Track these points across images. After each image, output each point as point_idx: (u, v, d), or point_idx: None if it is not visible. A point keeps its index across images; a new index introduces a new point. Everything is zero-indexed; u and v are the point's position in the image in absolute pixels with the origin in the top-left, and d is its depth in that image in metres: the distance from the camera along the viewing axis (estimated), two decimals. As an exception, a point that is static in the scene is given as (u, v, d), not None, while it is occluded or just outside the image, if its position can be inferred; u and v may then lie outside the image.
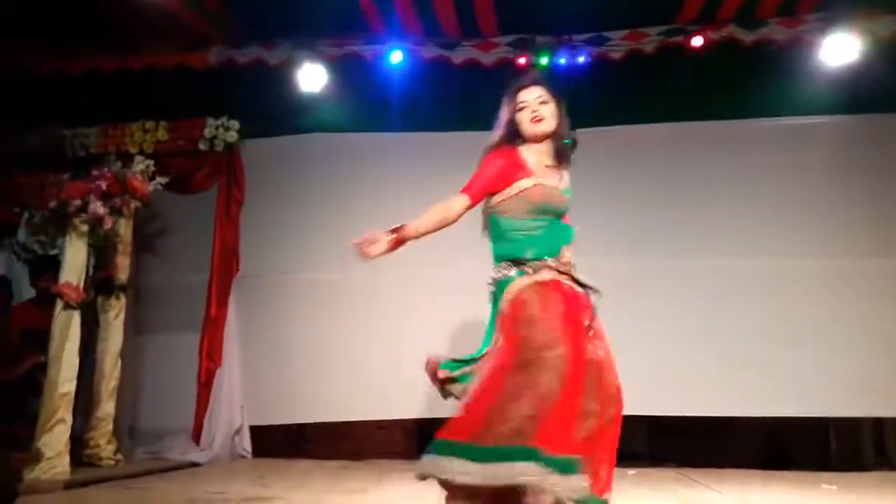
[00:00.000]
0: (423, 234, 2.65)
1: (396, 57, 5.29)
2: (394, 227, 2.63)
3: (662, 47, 5.09)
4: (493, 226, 2.74)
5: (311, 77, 5.27)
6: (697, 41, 5.00)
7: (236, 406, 5.15)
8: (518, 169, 2.71)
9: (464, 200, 2.66)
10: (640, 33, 5.12)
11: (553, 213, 2.72)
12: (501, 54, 5.28)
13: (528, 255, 2.64)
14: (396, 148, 5.36)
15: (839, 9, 4.80)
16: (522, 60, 5.24)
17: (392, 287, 5.18)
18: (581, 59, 5.18)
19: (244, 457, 5.09)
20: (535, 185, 2.69)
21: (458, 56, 5.31)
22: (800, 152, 5.01)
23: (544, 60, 5.19)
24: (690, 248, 5.02)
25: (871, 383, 4.66)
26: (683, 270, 4.99)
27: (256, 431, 5.20)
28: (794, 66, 4.93)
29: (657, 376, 4.84)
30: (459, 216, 2.66)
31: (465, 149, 5.50)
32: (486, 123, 5.19)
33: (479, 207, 2.75)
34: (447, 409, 4.97)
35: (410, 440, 5.41)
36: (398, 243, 2.63)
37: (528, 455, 2.31)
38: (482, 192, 2.71)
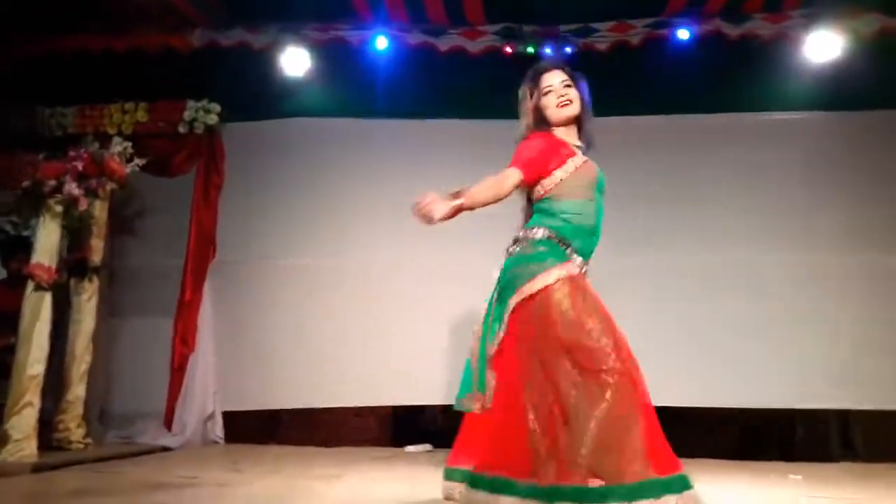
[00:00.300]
0: (478, 206, 2.45)
1: (382, 43, 5.24)
2: (453, 191, 2.41)
3: (648, 39, 5.09)
4: (543, 214, 2.57)
5: (295, 61, 5.21)
6: (684, 34, 5.00)
7: (209, 391, 5.08)
8: (565, 148, 2.60)
9: (516, 175, 2.50)
10: (626, 25, 5.11)
11: (601, 192, 2.65)
12: (488, 43, 5.24)
13: (575, 243, 2.53)
14: (380, 134, 5.32)
15: (823, 6, 4.81)
16: (509, 49, 5.21)
17: (367, 273, 5.17)
18: (568, 50, 5.16)
19: (217, 442, 5.04)
20: (585, 162, 2.61)
21: (444, 43, 5.27)
22: (780, 148, 5.02)
23: (531, 50, 5.17)
24: (666, 242, 5.03)
25: (839, 377, 4.71)
26: (659, 264, 5.00)
27: (229, 417, 5.15)
28: (778, 61, 4.95)
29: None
30: (510, 193, 2.51)
31: (450, 137, 5.53)
32: (472, 111, 5.24)
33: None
34: (424, 396, 5.01)
35: (385, 427, 5.41)
36: (457, 211, 2.41)
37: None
38: (535, 170, 2.53)
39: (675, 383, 4.79)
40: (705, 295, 4.93)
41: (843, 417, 5.07)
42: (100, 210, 4.80)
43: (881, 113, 4.96)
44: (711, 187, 5.05)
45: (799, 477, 3.96)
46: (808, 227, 4.94)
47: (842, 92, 4.89)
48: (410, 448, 4.89)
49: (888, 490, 3.52)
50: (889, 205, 4.91)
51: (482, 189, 2.46)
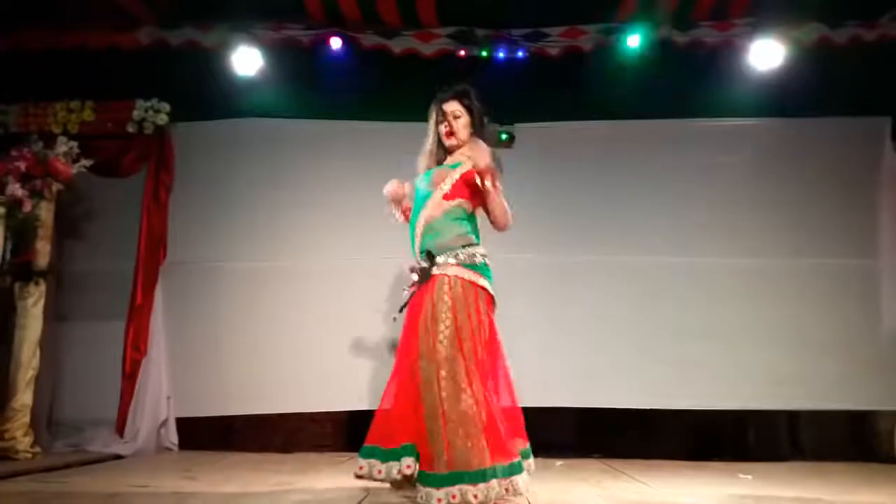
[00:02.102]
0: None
1: (335, 44, 5.22)
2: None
3: (599, 45, 5.17)
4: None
5: (247, 61, 5.15)
6: (633, 40, 5.09)
7: (162, 397, 5.01)
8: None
9: None
10: (578, 30, 5.19)
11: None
12: (441, 46, 5.27)
13: None
14: (332, 136, 5.30)
15: (766, 15, 4.97)
16: (462, 53, 5.25)
17: (321, 276, 5.15)
18: (520, 55, 5.22)
19: (170, 449, 4.98)
20: None
21: (398, 45, 5.28)
22: (727, 153, 5.16)
23: (484, 54, 5.21)
24: (618, 245, 5.13)
25: (787, 378, 4.87)
26: (611, 266, 5.10)
27: (183, 423, 5.09)
28: (724, 68, 5.08)
29: (584, 370, 4.96)
30: None
31: (403, 139, 5.50)
32: (424, 115, 5.23)
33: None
34: (380, 401, 5.00)
35: (341, 432, 5.40)
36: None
37: None
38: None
39: (625, 386, 4.93)
40: (655, 297, 5.05)
41: (792, 417, 5.25)
42: (45, 212, 4.70)
43: (823, 120, 5.14)
44: (660, 192, 5.16)
45: (749, 476, 4.08)
46: (756, 231, 5.09)
47: (785, 99, 5.05)
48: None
49: (832, 487, 3.65)
50: (833, 208, 5.08)
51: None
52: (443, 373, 2.81)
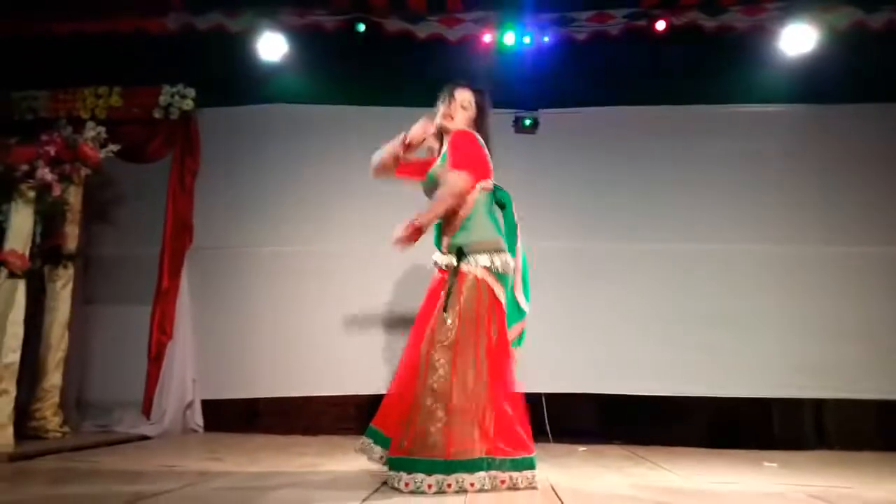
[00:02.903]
0: None
1: (360, 28, 5.21)
2: None
3: (626, 30, 5.12)
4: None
5: (272, 46, 5.17)
6: (661, 25, 5.03)
7: (188, 380, 5.07)
8: None
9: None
10: (605, 15, 5.14)
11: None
12: (467, 31, 5.24)
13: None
14: (357, 122, 5.27)
15: (798, -1, 4.88)
16: (487, 38, 5.21)
17: (345, 261, 5.16)
18: (546, 39, 5.18)
19: (195, 431, 5.03)
20: None
21: (423, 31, 5.26)
22: (754, 140, 5.09)
23: (510, 39, 5.17)
24: (643, 232, 5.09)
25: (813, 366, 4.82)
26: (636, 253, 5.06)
27: (208, 405, 5.13)
28: (754, 54, 5.00)
29: (608, 356, 4.94)
30: None
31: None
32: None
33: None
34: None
35: (364, 416, 5.40)
36: None
37: None
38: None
39: (648, 372, 4.90)
40: (681, 285, 5.01)
41: (817, 406, 5.18)
42: (74, 196, 4.74)
43: (854, 107, 5.04)
44: (686, 178, 5.11)
45: (774, 464, 4.05)
46: (783, 218, 5.03)
47: (816, 85, 4.96)
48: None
49: (861, 477, 3.61)
50: (861, 196, 5.00)
51: None
52: (442, 360, 2.85)
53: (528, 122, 5.18)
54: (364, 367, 4.92)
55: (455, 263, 3.01)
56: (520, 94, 5.18)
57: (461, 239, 3.06)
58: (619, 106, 5.17)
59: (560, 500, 2.71)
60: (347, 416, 5.22)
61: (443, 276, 3.09)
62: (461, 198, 3.03)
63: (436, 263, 3.17)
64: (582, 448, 4.56)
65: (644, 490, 2.97)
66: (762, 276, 5.00)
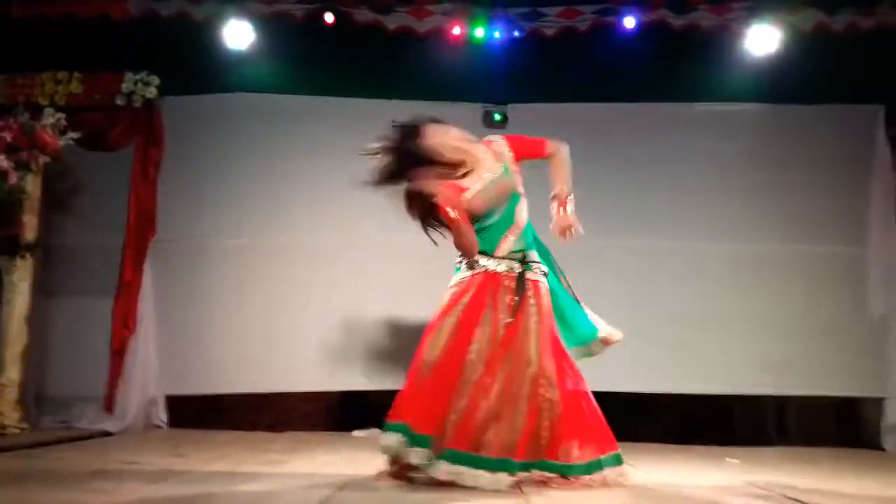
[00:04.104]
0: None
1: (328, 18, 5.14)
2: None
3: (595, 26, 5.12)
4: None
5: (238, 35, 5.08)
6: (630, 22, 5.05)
7: (151, 374, 5.00)
8: None
9: None
10: (574, 10, 5.14)
11: None
12: (436, 23, 5.20)
13: None
14: (324, 112, 5.24)
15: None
16: (457, 31, 5.18)
17: (312, 254, 5.12)
18: (515, 34, 5.17)
19: (159, 427, 4.97)
20: None
21: (392, 22, 5.20)
22: (720, 138, 5.15)
23: (479, 33, 5.16)
24: (605, 227, 5.06)
25: (776, 363, 4.91)
26: (599, 249, 5.07)
27: (173, 401, 5.08)
28: (720, 53, 5.06)
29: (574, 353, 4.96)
30: None
31: (394, 117, 5.47)
32: (418, 93, 5.21)
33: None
34: (371, 381, 5.03)
35: (333, 412, 5.41)
36: None
37: None
38: None
39: (615, 369, 4.93)
40: (645, 280, 5.06)
41: (779, 403, 5.30)
42: (32, 185, 4.64)
43: (817, 107, 5.13)
44: (651, 175, 5.15)
45: (736, 461, 4.11)
46: (747, 217, 5.10)
47: (780, 85, 5.04)
48: (358, 432, 4.92)
49: (820, 473, 3.69)
50: (823, 196, 5.10)
51: None
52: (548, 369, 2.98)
53: (497, 116, 5.18)
54: (332, 363, 4.90)
55: (519, 269, 3.02)
56: (489, 89, 5.18)
57: (522, 244, 3.09)
58: (587, 102, 5.19)
59: (526, 497, 2.73)
60: (315, 413, 5.20)
61: (492, 280, 3.00)
62: None
63: (483, 267, 3.03)
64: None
65: (605, 486, 3.00)
66: (726, 274, 5.07)
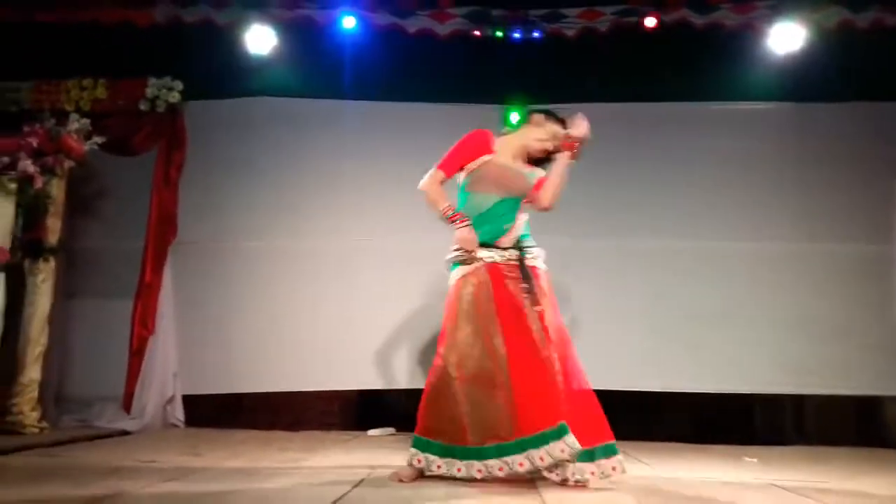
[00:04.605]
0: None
1: (349, 23, 5.18)
2: None
3: (616, 27, 5.10)
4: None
5: (260, 39, 5.13)
6: (650, 22, 5.02)
7: (169, 374, 5.03)
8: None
9: None
10: (594, 12, 5.12)
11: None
12: (456, 26, 5.21)
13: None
14: (345, 116, 5.28)
15: (787, -2, 4.89)
16: (477, 33, 5.19)
17: (330, 256, 5.14)
18: (536, 35, 5.16)
19: (177, 426, 4.99)
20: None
21: (413, 25, 5.22)
22: (741, 137, 5.09)
23: (499, 35, 5.15)
24: (627, 227, 5.08)
25: (794, 363, 4.84)
26: (619, 249, 5.06)
27: (190, 401, 5.09)
28: (742, 52, 5.01)
29: (590, 352, 4.87)
30: None
31: (416, 120, 5.51)
32: (439, 95, 5.22)
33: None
34: (388, 380, 5.01)
35: (349, 411, 5.40)
36: None
37: None
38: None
39: (632, 368, 4.88)
40: (665, 281, 5.01)
41: (799, 402, 5.20)
42: (57, 189, 4.68)
43: (841, 105, 5.05)
44: (673, 175, 5.12)
45: (754, 460, 4.04)
46: (770, 215, 5.04)
47: (804, 84, 4.98)
48: (374, 431, 4.90)
49: (837, 472, 3.60)
50: (846, 194, 5.02)
51: None
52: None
53: (517, 117, 5.14)
54: (349, 363, 4.90)
55: (517, 256, 3.03)
56: (510, 90, 5.16)
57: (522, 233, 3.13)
58: (607, 102, 5.14)
59: (540, 495, 2.67)
60: (332, 412, 5.19)
61: (501, 270, 2.99)
62: None
63: (481, 260, 3.01)
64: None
65: (621, 485, 2.94)
66: (749, 273, 5.00)
